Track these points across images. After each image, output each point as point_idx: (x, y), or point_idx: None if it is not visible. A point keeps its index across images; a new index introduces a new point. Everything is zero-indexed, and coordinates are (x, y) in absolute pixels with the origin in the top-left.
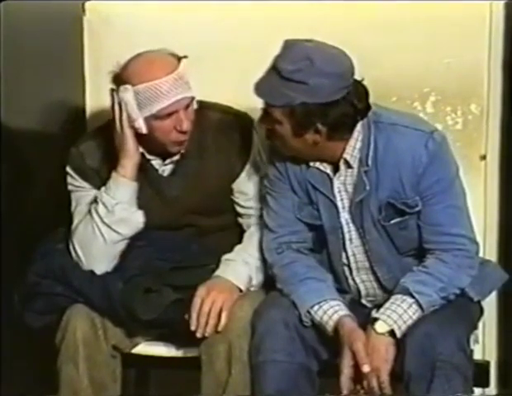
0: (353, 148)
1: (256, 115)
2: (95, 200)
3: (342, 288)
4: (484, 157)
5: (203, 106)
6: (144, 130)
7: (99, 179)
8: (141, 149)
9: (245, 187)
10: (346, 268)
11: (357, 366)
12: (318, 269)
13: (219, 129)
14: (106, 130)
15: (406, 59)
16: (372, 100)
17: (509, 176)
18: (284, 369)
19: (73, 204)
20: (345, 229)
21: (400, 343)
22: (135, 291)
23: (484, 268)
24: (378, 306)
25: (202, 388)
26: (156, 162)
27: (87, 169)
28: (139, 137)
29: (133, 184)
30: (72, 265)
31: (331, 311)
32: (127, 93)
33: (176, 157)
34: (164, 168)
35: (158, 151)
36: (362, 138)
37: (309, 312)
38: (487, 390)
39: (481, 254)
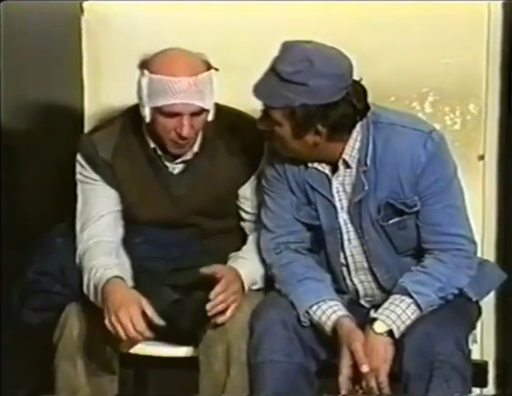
0: (351, 149)
1: (256, 115)
2: (87, 270)
3: (340, 288)
4: (482, 157)
5: (219, 109)
6: (147, 119)
7: (111, 174)
8: (153, 145)
9: (251, 194)
10: (344, 268)
11: (355, 366)
12: (316, 269)
13: (232, 133)
14: (120, 122)
15: (405, 59)
16: (370, 100)
17: (507, 175)
18: (282, 369)
19: (80, 197)
20: (343, 230)
21: (398, 343)
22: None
23: (482, 268)
24: (377, 306)
25: (200, 388)
26: (168, 159)
27: (100, 161)
28: (150, 129)
29: None
30: (70, 264)
31: (330, 311)
32: (144, 78)
33: (188, 157)
34: (176, 166)
35: (164, 147)
36: (361, 138)
37: (307, 312)
38: (485, 390)
39: (479, 254)
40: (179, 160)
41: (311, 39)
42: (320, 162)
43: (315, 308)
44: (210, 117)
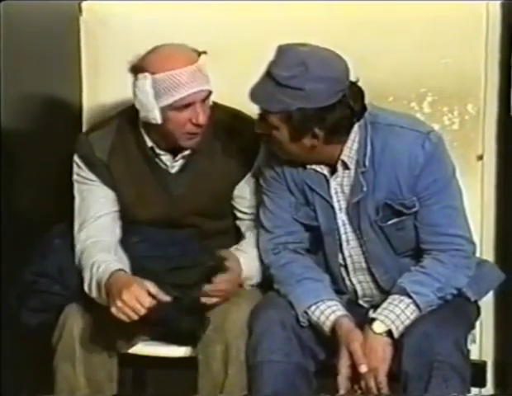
0: (350, 150)
1: (255, 115)
2: (88, 267)
3: (339, 289)
4: (481, 158)
5: (217, 108)
6: (159, 121)
7: (108, 174)
8: (151, 144)
9: (246, 193)
10: (343, 269)
11: (354, 366)
12: (315, 269)
13: (230, 132)
14: (116, 122)
15: (403, 59)
16: (368, 100)
17: (506, 176)
18: (281, 369)
19: (78, 198)
20: (342, 230)
21: (397, 343)
22: None
23: (481, 268)
24: (375, 306)
25: (199, 388)
26: (166, 158)
27: (96, 161)
28: (152, 130)
29: None
30: (69, 265)
31: (328, 311)
32: (145, 81)
33: (186, 152)
34: (174, 164)
35: (170, 145)
36: (359, 139)
37: (306, 312)
38: (484, 390)
39: (477, 254)
40: (178, 157)
41: (310, 39)
42: (318, 163)
43: (313, 308)
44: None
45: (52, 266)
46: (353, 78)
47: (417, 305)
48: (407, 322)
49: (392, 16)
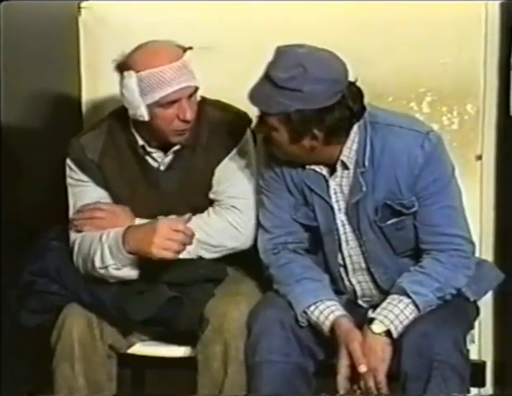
0: (349, 150)
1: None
2: (95, 242)
3: (338, 289)
4: (480, 158)
5: (204, 103)
6: (146, 118)
7: (100, 173)
8: (142, 142)
9: (220, 174)
10: (342, 269)
11: (353, 366)
12: (314, 269)
13: (216, 126)
14: (107, 123)
15: (402, 60)
16: (368, 100)
17: (505, 176)
18: (280, 369)
19: (72, 199)
20: (341, 231)
21: (396, 343)
22: (129, 293)
23: (480, 268)
24: (374, 306)
25: (198, 388)
26: (157, 155)
27: (88, 162)
28: (142, 128)
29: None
30: (67, 266)
31: (327, 311)
32: (131, 79)
33: (176, 148)
34: (165, 161)
35: (160, 142)
36: (359, 139)
37: (305, 312)
38: (483, 390)
39: (477, 254)
40: (169, 152)
41: (309, 39)
42: (317, 164)
43: (312, 308)
44: (198, 96)
45: (50, 265)
46: (351, 78)
47: (416, 305)
48: (406, 322)
49: (391, 17)
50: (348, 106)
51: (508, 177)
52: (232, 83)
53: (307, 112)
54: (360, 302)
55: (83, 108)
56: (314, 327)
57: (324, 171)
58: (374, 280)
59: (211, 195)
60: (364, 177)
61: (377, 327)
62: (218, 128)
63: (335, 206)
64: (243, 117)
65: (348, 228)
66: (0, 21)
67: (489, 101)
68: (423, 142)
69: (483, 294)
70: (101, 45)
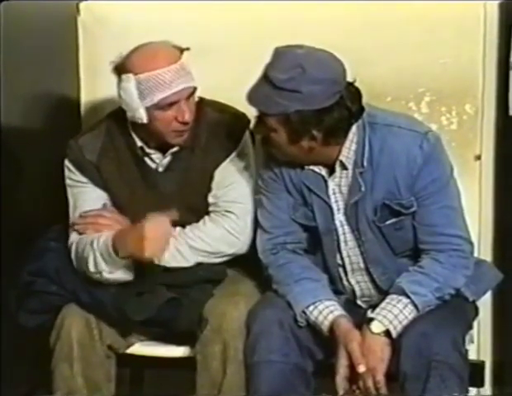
0: (348, 150)
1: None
2: (87, 247)
3: (337, 289)
4: (479, 158)
5: (202, 103)
6: (145, 120)
7: (98, 174)
8: (140, 143)
9: (220, 177)
10: (341, 269)
11: (352, 366)
12: (313, 269)
13: (215, 127)
14: (105, 124)
15: (401, 60)
16: (366, 100)
17: (504, 175)
18: (279, 369)
19: (71, 200)
20: (340, 231)
21: (395, 343)
22: (128, 294)
23: (479, 268)
24: (373, 306)
25: (197, 388)
26: (156, 157)
27: (87, 163)
28: (140, 130)
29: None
30: (66, 266)
31: (326, 311)
32: (129, 82)
33: (174, 149)
34: (163, 162)
35: (158, 143)
36: (358, 139)
37: (304, 312)
38: (482, 390)
39: (476, 254)
40: (167, 153)
41: (308, 39)
42: (316, 164)
43: (311, 308)
44: (196, 97)
45: (49, 266)
46: (350, 79)
47: (415, 305)
48: (405, 322)
49: (390, 17)
50: (347, 106)
51: (507, 177)
52: (232, 83)
53: (306, 113)
54: (359, 302)
55: (82, 107)
56: (313, 328)
57: (323, 171)
58: (373, 280)
59: (210, 199)
60: (363, 178)
61: (376, 327)
62: (217, 129)
63: (334, 206)
64: (241, 118)
65: (346, 228)
66: (0, 21)
67: (488, 101)
68: (422, 142)
69: (482, 294)
70: (101, 45)
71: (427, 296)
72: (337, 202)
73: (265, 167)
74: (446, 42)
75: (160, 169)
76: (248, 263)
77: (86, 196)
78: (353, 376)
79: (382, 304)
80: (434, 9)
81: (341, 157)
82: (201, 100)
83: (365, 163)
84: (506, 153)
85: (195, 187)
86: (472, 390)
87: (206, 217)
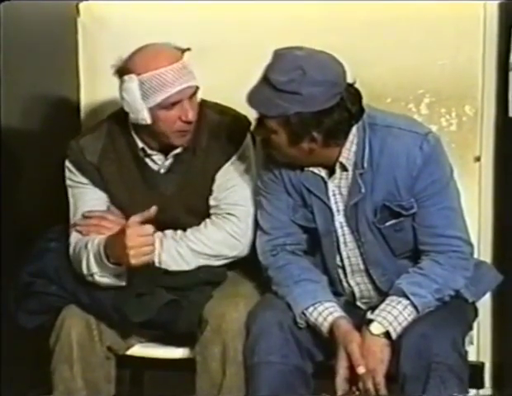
0: (348, 152)
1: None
2: (83, 248)
3: (336, 290)
4: (478, 159)
5: (203, 105)
6: (148, 121)
7: (99, 175)
8: (141, 144)
9: (221, 180)
10: (340, 270)
11: (352, 368)
12: (313, 271)
13: (216, 129)
14: (106, 125)
15: (401, 61)
16: (366, 101)
17: (504, 177)
18: (279, 370)
19: (72, 201)
20: (339, 232)
21: (395, 345)
22: (128, 295)
23: (479, 269)
24: (373, 308)
25: (197, 389)
26: (158, 158)
27: (87, 164)
28: (142, 131)
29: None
30: (66, 267)
31: (326, 313)
32: (132, 83)
33: (177, 151)
34: (164, 164)
35: (161, 144)
36: (358, 141)
37: (304, 313)
38: (482, 391)
39: (475, 255)
40: (170, 155)
41: (308, 39)
42: (316, 166)
43: (311, 309)
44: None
45: (49, 266)
46: (350, 80)
47: (415, 307)
48: (405, 323)
49: (390, 17)
50: (347, 107)
51: (506, 178)
52: (232, 84)
53: (306, 115)
54: (359, 303)
55: (82, 108)
56: (312, 329)
57: (323, 172)
58: (373, 282)
59: (212, 202)
60: (363, 179)
61: (376, 329)
62: (218, 131)
63: (334, 208)
64: (242, 120)
65: (346, 229)
66: (0, 21)
67: (487, 103)
68: (421, 143)
69: (482, 295)
70: (100, 45)
71: (427, 297)
72: (337, 203)
73: (265, 169)
74: (446, 43)
75: (162, 171)
76: (247, 264)
77: (86, 197)
78: (353, 377)
79: (382, 306)
80: (434, 9)
81: (341, 159)
82: (202, 102)
83: (365, 165)
84: (506, 154)
85: (196, 189)
86: (472, 391)
87: (208, 220)
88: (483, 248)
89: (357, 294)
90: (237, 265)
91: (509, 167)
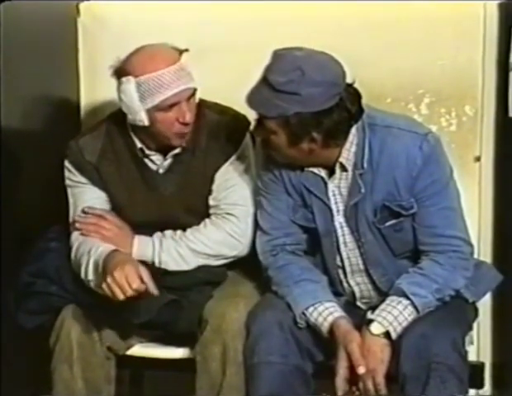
0: (348, 152)
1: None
2: (85, 252)
3: (336, 291)
4: (478, 159)
5: (202, 105)
6: (146, 122)
7: (98, 175)
8: (140, 145)
9: (220, 180)
10: (340, 271)
11: (352, 368)
12: (313, 271)
13: (215, 129)
14: (105, 125)
15: (401, 61)
16: (366, 101)
17: (504, 177)
18: (279, 371)
19: (71, 200)
20: (339, 233)
21: (395, 345)
22: None
23: (479, 269)
24: (373, 308)
25: (197, 389)
26: (156, 158)
27: (86, 164)
28: (141, 132)
29: None
30: (66, 267)
31: (326, 313)
32: (129, 85)
33: (176, 151)
34: (163, 165)
35: (160, 145)
36: (357, 141)
37: (304, 313)
38: (482, 391)
39: (475, 255)
40: (168, 155)
41: (307, 39)
42: (316, 166)
43: (311, 309)
44: (197, 98)
45: (49, 266)
46: (349, 80)
47: (415, 307)
48: (405, 323)
49: (390, 17)
50: (347, 108)
51: (506, 179)
52: (231, 84)
53: (305, 115)
54: (359, 303)
55: (82, 108)
56: (312, 329)
57: (323, 173)
58: (373, 282)
59: (211, 202)
60: (363, 179)
61: (376, 329)
62: (217, 131)
63: (334, 208)
64: (242, 120)
65: (346, 229)
66: (0, 21)
67: (487, 103)
68: (421, 143)
69: (482, 295)
70: (100, 46)
71: (427, 297)
72: (336, 204)
73: (265, 169)
74: (446, 43)
75: (161, 171)
76: (247, 264)
77: (86, 196)
78: (353, 377)
79: (382, 306)
80: (434, 9)
81: (341, 159)
82: (201, 102)
83: (365, 165)
84: (506, 155)
85: (195, 189)
86: (472, 391)
87: (207, 220)
88: (483, 248)
89: (358, 295)
90: (237, 265)
91: (509, 166)
